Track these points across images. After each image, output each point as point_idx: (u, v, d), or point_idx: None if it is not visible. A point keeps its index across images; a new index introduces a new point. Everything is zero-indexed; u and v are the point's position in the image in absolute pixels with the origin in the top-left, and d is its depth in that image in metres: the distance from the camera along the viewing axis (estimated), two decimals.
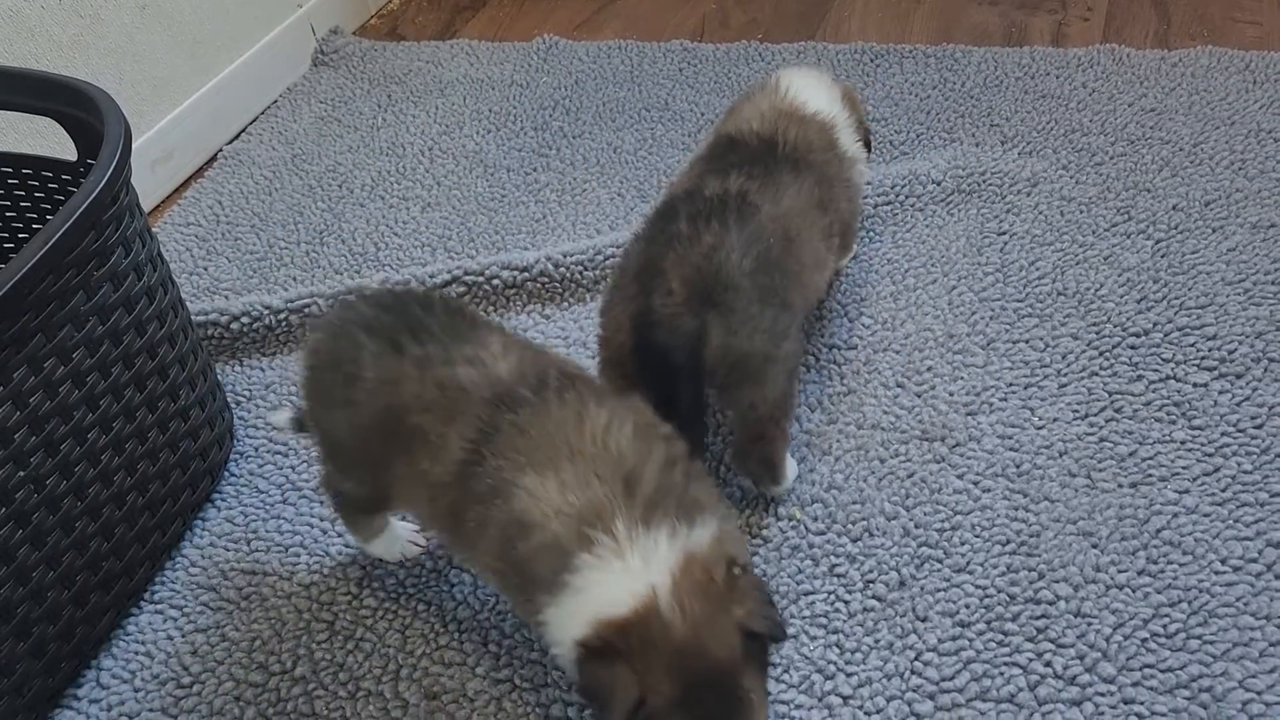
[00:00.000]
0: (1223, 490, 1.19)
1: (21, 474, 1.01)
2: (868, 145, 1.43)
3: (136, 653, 1.18)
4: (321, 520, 1.30)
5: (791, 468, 1.26)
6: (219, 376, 1.46)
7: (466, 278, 1.58)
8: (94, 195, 1.03)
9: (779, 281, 1.14)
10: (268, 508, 1.33)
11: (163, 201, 1.97)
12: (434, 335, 1.00)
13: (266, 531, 1.30)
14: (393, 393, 0.99)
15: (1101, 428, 1.28)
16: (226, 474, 1.38)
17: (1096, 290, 1.46)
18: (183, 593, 1.24)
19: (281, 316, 1.55)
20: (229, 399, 1.46)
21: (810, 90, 1.34)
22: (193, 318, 1.39)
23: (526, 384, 0.94)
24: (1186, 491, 1.19)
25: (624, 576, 0.83)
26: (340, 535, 1.28)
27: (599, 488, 0.87)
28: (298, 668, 1.15)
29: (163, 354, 1.19)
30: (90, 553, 1.12)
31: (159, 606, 1.23)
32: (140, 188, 1.26)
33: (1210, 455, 1.23)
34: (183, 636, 1.20)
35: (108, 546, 1.15)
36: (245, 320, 1.55)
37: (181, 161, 2.01)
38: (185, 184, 2.01)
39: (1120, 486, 1.21)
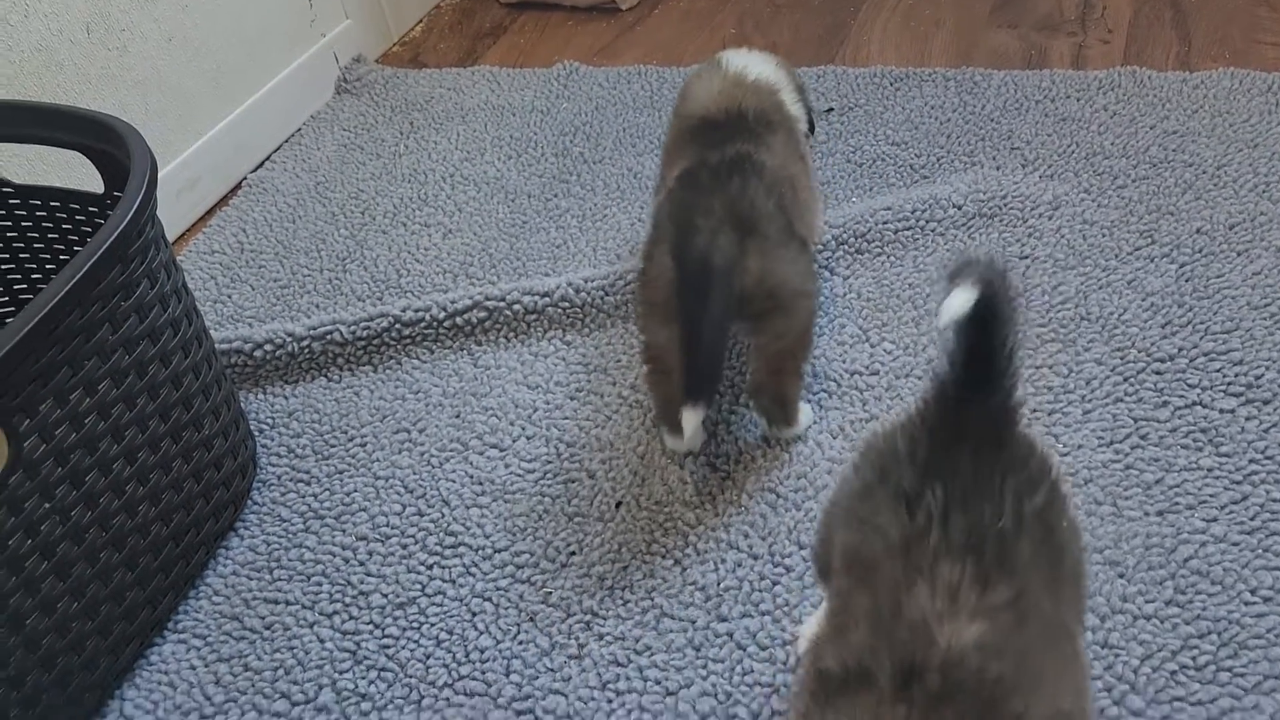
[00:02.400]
0: (1251, 519, 1.17)
1: (47, 506, 1.02)
2: (811, 126, 1.57)
3: (160, 683, 1.19)
4: (344, 549, 1.31)
5: (806, 414, 1.35)
6: (242, 404, 1.47)
7: (488, 303, 1.59)
8: (120, 229, 1.05)
9: (796, 222, 1.28)
10: (290, 536, 1.34)
11: (188, 230, 1.99)
12: (951, 531, 0.77)
13: (289, 560, 1.31)
14: (865, 540, 0.82)
15: (1127, 455, 1.27)
16: (249, 502, 1.38)
17: (1120, 315, 1.45)
18: (206, 622, 1.25)
19: (304, 344, 1.57)
20: (252, 427, 1.47)
21: (750, 62, 1.48)
22: (216, 346, 1.40)
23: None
24: (1215, 520, 1.18)
25: None
26: (362, 564, 1.28)
27: None
28: (320, 697, 1.15)
29: (187, 384, 1.20)
30: (114, 584, 1.13)
31: (182, 636, 1.24)
32: (165, 217, 1.27)
33: (1238, 483, 1.21)
34: (205, 666, 1.20)
35: (132, 577, 1.15)
36: (268, 348, 1.56)
37: (206, 190, 2.03)
38: (210, 212, 2.04)
39: (1147, 515, 1.20)
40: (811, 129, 1.58)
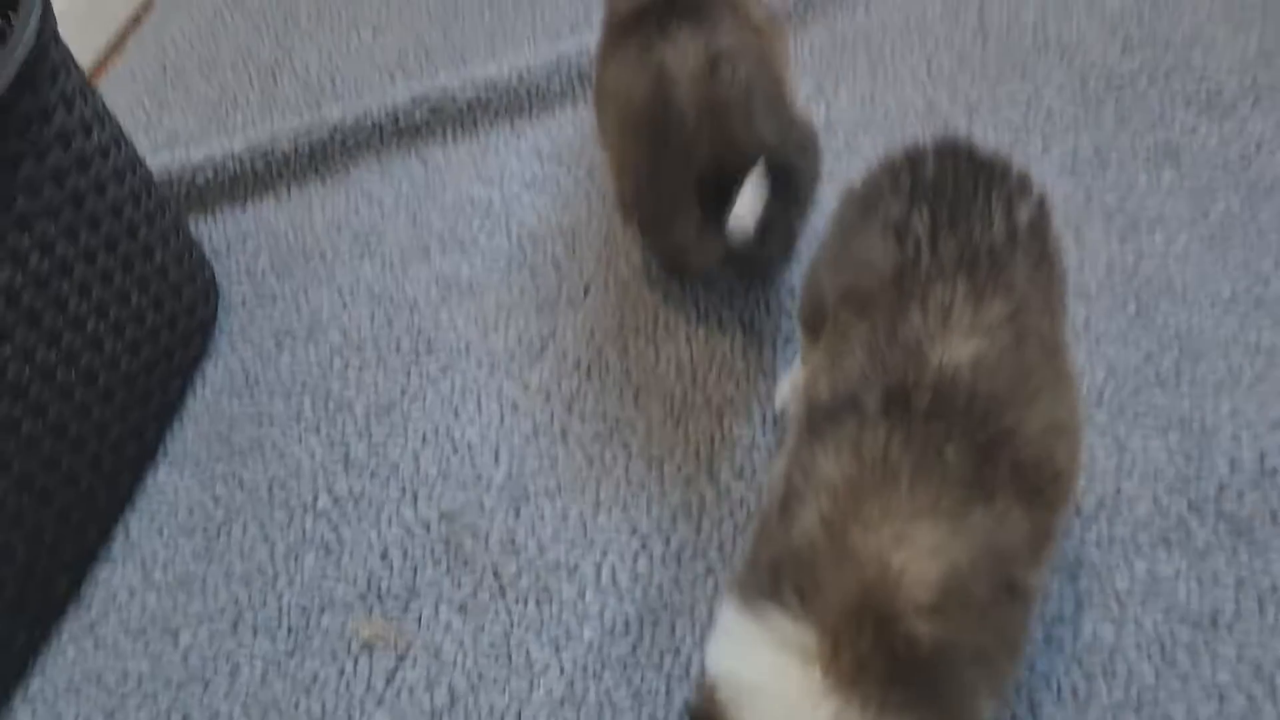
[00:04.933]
0: (1211, 235, 1.18)
1: (9, 348, 1.01)
2: None
3: (161, 507, 1.21)
4: (320, 363, 1.31)
5: None
6: (193, 231, 1.44)
7: (429, 99, 1.52)
8: (24, 52, 0.98)
9: None
10: (264, 355, 1.34)
11: (103, 59, 1.88)
12: (942, 251, 0.78)
13: (267, 379, 1.31)
14: (858, 277, 0.82)
15: (1088, 183, 1.26)
16: (217, 328, 1.37)
17: (1080, 40, 1.41)
18: (195, 446, 1.26)
19: (246, 163, 1.51)
20: (206, 253, 1.44)
21: None
22: (154, 173, 1.35)
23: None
24: (1175, 239, 1.19)
25: None
26: (339, 375, 1.29)
27: None
28: (319, 502, 1.18)
29: (128, 213, 1.17)
30: (95, 419, 1.13)
31: (175, 461, 1.25)
32: (72, 43, 1.19)
33: (1199, 198, 1.21)
34: (202, 488, 1.22)
35: (112, 411, 1.16)
36: (209, 171, 1.50)
37: (113, 10, 1.90)
38: (123, 37, 1.92)
39: (1109, 240, 1.20)
40: None
